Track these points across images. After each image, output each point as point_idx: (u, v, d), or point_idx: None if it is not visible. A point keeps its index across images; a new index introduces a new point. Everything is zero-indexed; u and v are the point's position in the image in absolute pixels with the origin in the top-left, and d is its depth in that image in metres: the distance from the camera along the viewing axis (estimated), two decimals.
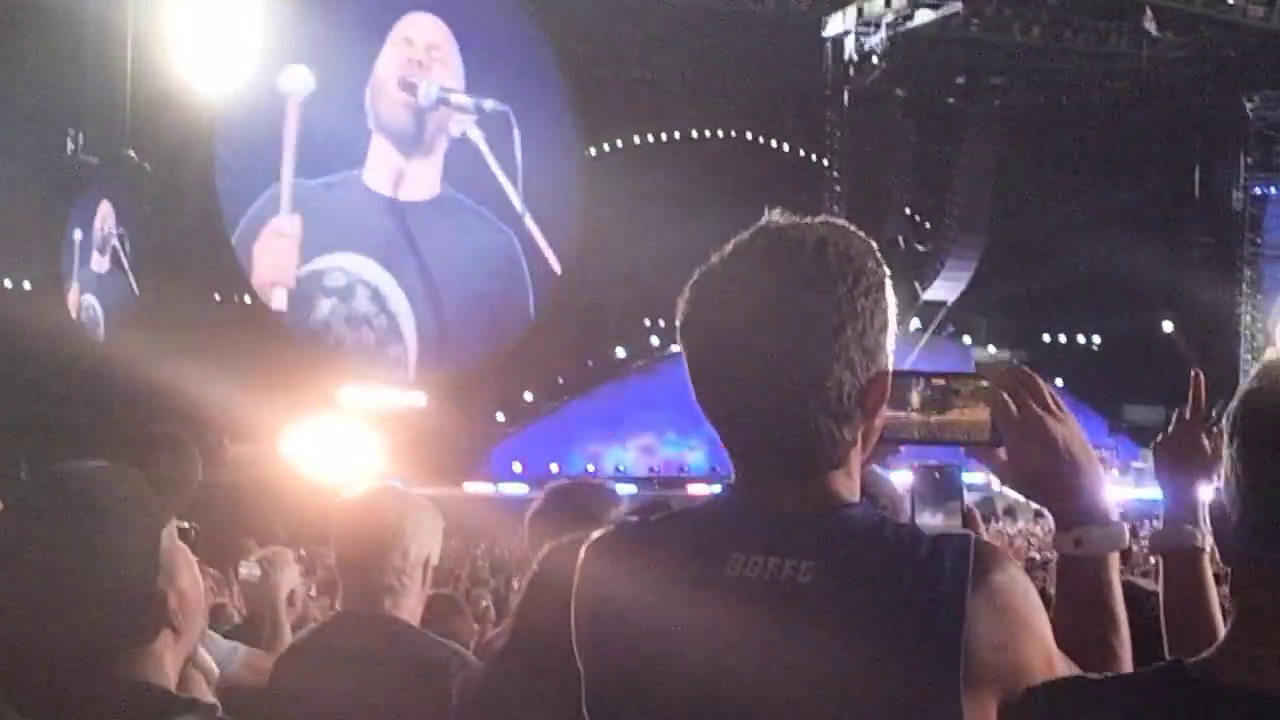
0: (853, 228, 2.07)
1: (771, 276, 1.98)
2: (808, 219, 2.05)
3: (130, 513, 2.11)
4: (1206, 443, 2.73)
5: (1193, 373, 2.96)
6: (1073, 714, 1.90)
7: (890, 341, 2.03)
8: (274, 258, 33.60)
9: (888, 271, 2.05)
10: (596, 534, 2.20)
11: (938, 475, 2.32)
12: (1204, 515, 2.64)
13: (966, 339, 42.89)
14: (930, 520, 2.37)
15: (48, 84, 30.43)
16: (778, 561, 1.95)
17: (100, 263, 32.76)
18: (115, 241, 32.06)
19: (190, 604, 2.19)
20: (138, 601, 2.08)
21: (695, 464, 37.28)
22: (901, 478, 2.53)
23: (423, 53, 34.82)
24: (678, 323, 2.11)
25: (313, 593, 12.65)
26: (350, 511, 3.76)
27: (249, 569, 5.46)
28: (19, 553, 2.07)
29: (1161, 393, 41.53)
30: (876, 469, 3.22)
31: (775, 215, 2.07)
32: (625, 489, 34.53)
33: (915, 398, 2.16)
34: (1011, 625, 1.91)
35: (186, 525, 2.51)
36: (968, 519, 2.35)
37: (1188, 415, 2.82)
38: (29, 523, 2.10)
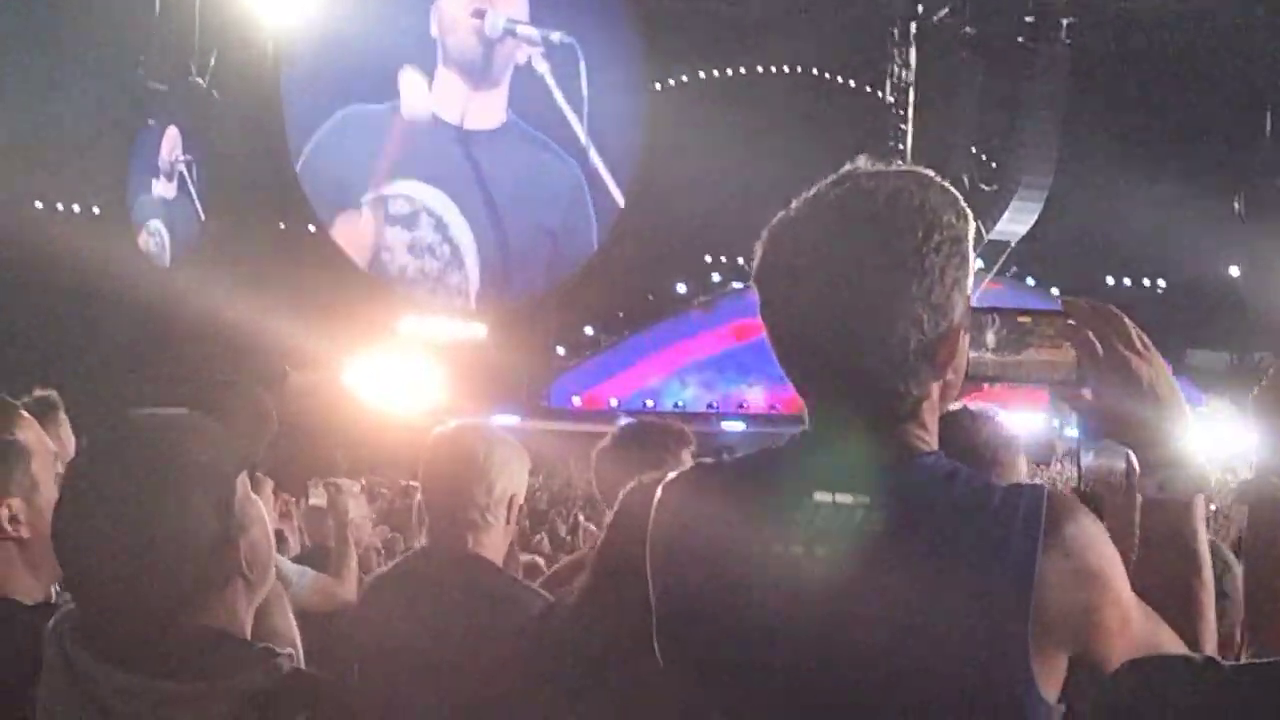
0: (937, 179, 2.05)
1: (842, 227, 1.98)
2: (893, 167, 2.05)
3: (204, 461, 2.13)
4: None
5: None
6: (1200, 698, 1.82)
7: (965, 297, 2.02)
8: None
9: (970, 226, 2.03)
10: (673, 473, 2.22)
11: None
12: None
13: (1030, 280, 42.59)
14: (1090, 461, 2.37)
15: (117, 11, 30.51)
16: (849, 509, 1.96)
17: (167, 189, 32.89)
18: (182, 167, 32.16)
19: (262, 554, 2.23)
20: (209, 550, 2.10)
21: (754, 400, 37.28)
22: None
23: None
24: (753, 265, 2.09)
25: (372, 517, 12.82)
26: (439, 447, 3.82)
27: (318, 496, 5.57)
28: (92, 498, 2.09)
29: (1226, 338, 41.38)
30: (989, 410, 3.23)
31: (861, 162, 2.06)
32: (733, 425, 34.79)
33: (991, 337, 2.14)
34: (1084, 579, 1.90)
35: (260, 474, 2.55)
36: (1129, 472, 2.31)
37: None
38: (103, 468, 2.12)
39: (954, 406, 2.65)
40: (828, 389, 2.04)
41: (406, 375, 30.43)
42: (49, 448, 2.88)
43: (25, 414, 2.90)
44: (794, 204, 2.07)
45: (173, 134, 32.53)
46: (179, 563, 2.07)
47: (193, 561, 2.08)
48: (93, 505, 2.08)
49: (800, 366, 2.06)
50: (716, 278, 41.39)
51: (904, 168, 2.05)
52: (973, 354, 2.11)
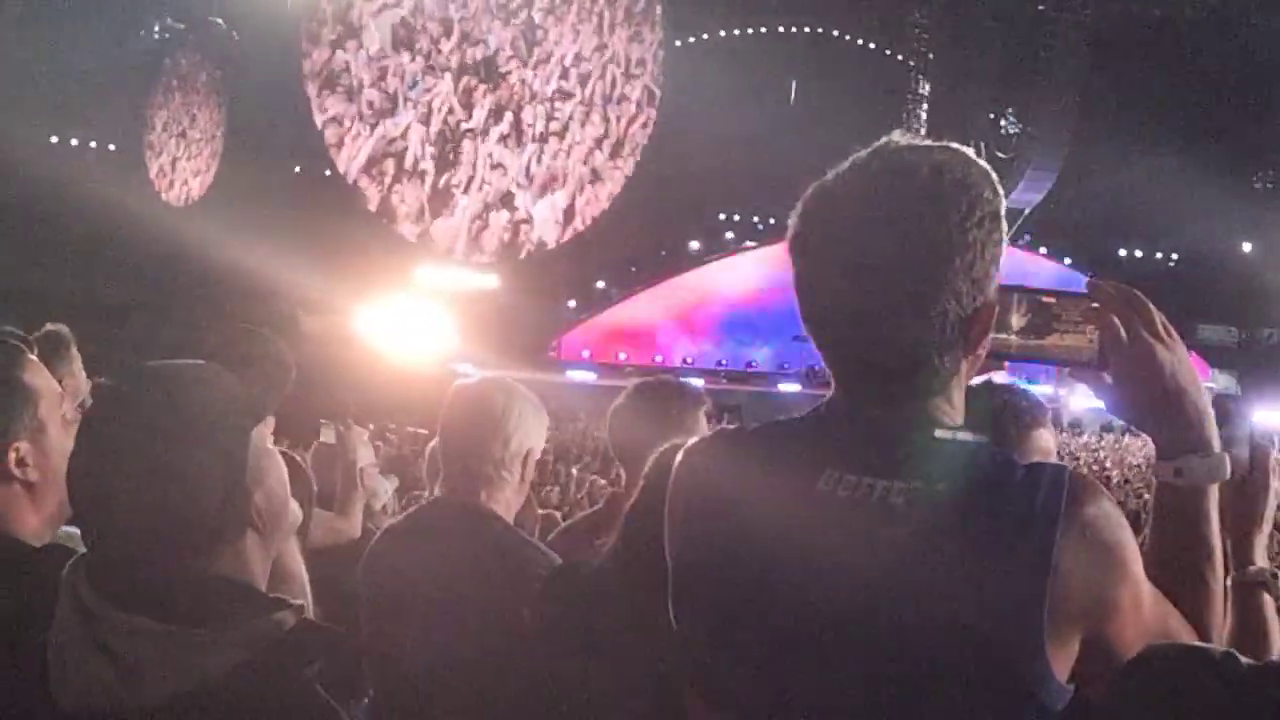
0: (971, 154, 2.04)
1: (884, 200, 1.98)
2: (927, 142, 2.04)
3: (217, 412, 2.13)
4: None
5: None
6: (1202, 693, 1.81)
7: (998, 272, 2.02)
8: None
9: (1004, 201, 2.04)
10: (694, 439, 2.23)
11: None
12: None
13: (1043, 249, 42.53)
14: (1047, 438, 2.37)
15: None
16: (870, 482, 1.96)
17: (189, 127, 32.92)
18: (197, 108, 32.20)
19: (277, 506, 2.23)
20: (220, 500, 2.10)
21: (762, 360, 37.29)
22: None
23: None
24: (789, 236, 2.07)
25: (377, 464, 12.87)
26: (458, 399, 3.82)
27: (328, 433, 5.61)
28: (104, 445, 2.10)
29: (1236, 314, 41.25)
30: (1015, 384, 3.25)
31: (895, 136, 2.06)
32: (739, 385, 34.60)
33: (1015, 320, 2.15)
34: (1101, 561, 1.90)
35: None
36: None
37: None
38: (115, 415, 2.13)
39: (978, 379, 2.68)
40: (861, 361, 2.03)
41: (418, 323, 30.47)
42: (56, 389, 2.86)
43: (32, 356, 2.88)
44: (830, 175, 2.05)
45: (191, 72, 32.54)
46: (189, 512, 2.07)
47: (203, 511, 2.08)
48: (104, 453, 2.09)
49: (835, 337, 2.05)
50: (730, 235, 41.25)
51: (942, 144, 2.05)
52: (997, 335, 2.11)
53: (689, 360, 37.01)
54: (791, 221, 2.06)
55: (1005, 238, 2.02)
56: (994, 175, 2.04)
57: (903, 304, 1.95)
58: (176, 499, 2.07)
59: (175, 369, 2.21)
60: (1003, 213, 2.02)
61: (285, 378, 2.32)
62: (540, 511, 6.51)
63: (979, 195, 1.99)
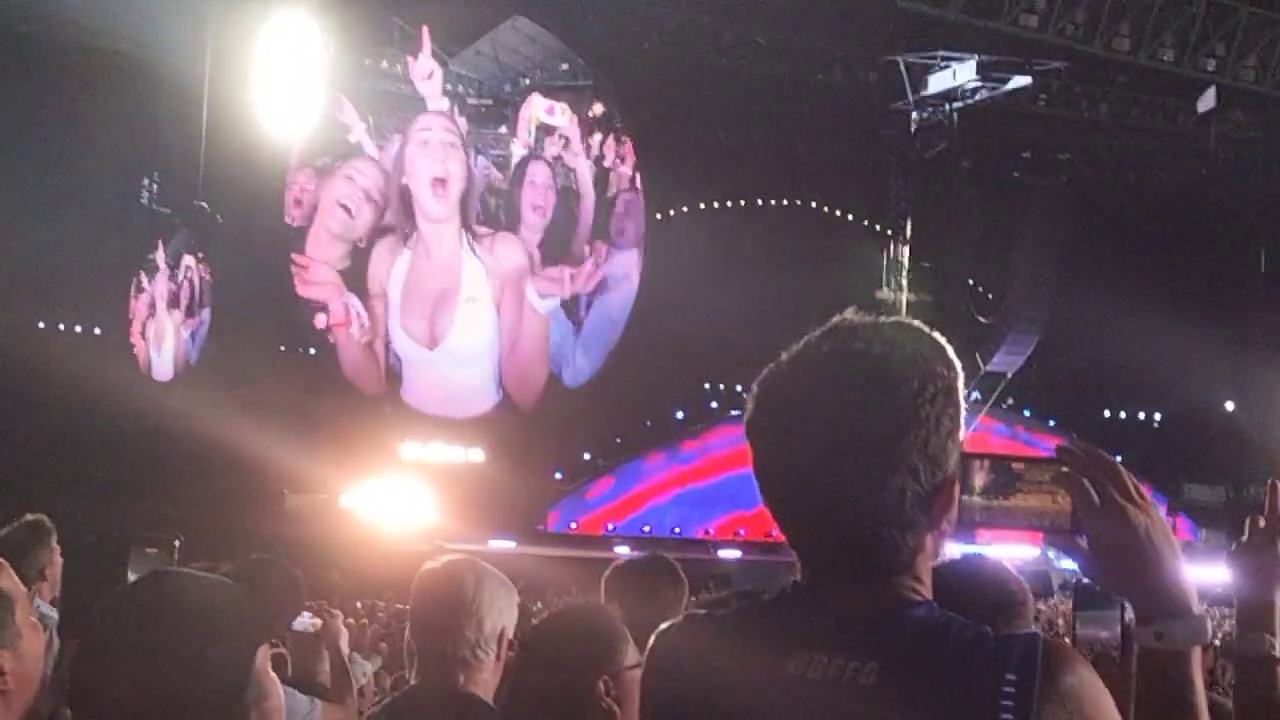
0: (926, 329, 2.06)
1: (833, 383, 1.98)
2: (880, 319, 2.06)
3: (231, 626, 2.13)
4: None
5: (1270, 483, 2.82)
6: None
7: (958, 446, 2.01)
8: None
9: (960, 374, 2.04)
10: (664, 625, 2.22)
11: (1097, 588, 2.28)
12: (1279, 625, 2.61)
13: (1026, 412, 42.62)
14: (1090, 631, 2.37)
15: (124, 134, 30.80)
16: (841, 663, 1.94)
17: (173, 313, 33.09)
18: (187, 292, 32.40)
19: None
20: (224, 714, 2.09)
21: (751, 527, 37.17)
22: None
23: None
24: (745, 419, 2.09)
25: (369, 639, 12.78)
26: (426, 584, 3.79)
27: (304, 622, 5.54)
28: (115, 649, 2.09)
29: (1222, 473, 41.25)
30: (1000, 561, 3.24)
31: (849, 314, 2.07)
32: (729, 553, 34.48)
33: (979, 481, 2.14)
34: None
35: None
36: (1126, 632, 2.31)
37: (1263, 524, 2.73)
38: (130, 619, 2.12)
39: (955, 554, 2.66)
40: (821, 542, 2.03)
41: (405, 498, 30.41)
42: (24, 593, 2.83)
43: (1, 561, 2.83)
44: (783, 357, 2.07)
45: (179, 258, 32.79)
46: (190, 717, 2.06)
47: None
48: (115, 657, 2.08)
49: (792, 520, 2.05)
50: (714, 405, 41.35)
51: (893, 319, 2.07)
52: (965, 500, 2.10)
53: (677, 530, 36.87)
54: (748, 405, 2.08)
55: (963, 410, 2.02)
56: (948, 349, 2.04)
57: (858, 486, 1.95)
58: (180, 709, 2.05)
59: (191, 578, 2.23)
60: (959, 386, 2.03)
61: (297, 599, 2.29)
62: None
63: (930, 371, 1.99)
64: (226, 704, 2.09)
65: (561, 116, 35.18)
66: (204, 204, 30.93)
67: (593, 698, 3.08)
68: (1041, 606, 23.43)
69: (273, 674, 2.24)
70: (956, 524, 2.08)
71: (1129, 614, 2.18)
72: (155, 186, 32.88)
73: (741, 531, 37.22)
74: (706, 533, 37.59)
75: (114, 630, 2.11)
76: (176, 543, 6.09)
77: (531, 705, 3.14)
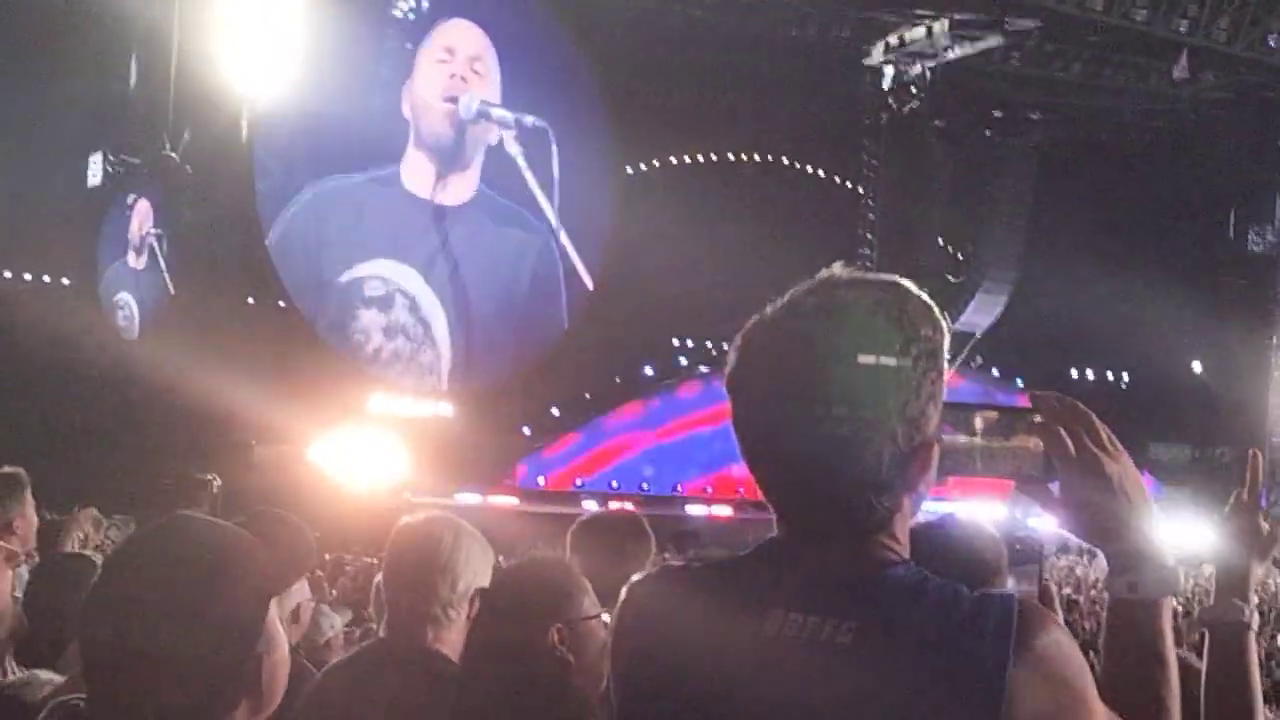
0: (915, 290, 2.02)
1: (817, 340, 1.96)
2: (870, 275, 2.03)
3: (246, 574, 2.12)
4: (1264, 524, 2.73)
5: (1250, 453, 2.91)
6: None
7: (939, 409, 2.00)
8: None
9: (946, 336, 2.02)
10: (637, 576, 2.20)
11: (1018, 546, 2.30)
12: (1254, 593, 2.67)
13: (995, 371, 42.74)
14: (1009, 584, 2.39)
15: (92, 85, 30.62)
16: (817, 621, 1.93)
17: (137, 261, 32.88)
18: (152, 240, 32.18)
19: (278, 680, 2.20)
20: (231, 663, 2.08)
21: (719, 485, 37.19)
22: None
23: (464, 65, 34.67)
24: (726, 374, 2.07)
25: (333, 596, 12.75)
26: (403, 538, 3.76)
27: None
28: (127, 590, 2.08)
29: (1188, 432, 41.51)
30: (980, 521, 3.24)
31: (837, 268, 2.04)
32: (697, 509, 34.58)
33: (961, 436, 2.14)
34: (1056, 692, 1.87)
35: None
36: (1042, 593, 2.35)
37: (1244, 496, 2.78)
38: (144, 560, 2.11)
39: (931, 515, 2.66)
40: (799, 500, 2.02)
41: (373, 452, 30.39)
42: None
43: None
44: (768, 310, 2.04)
45: (143, 207, 32.57)
46: (200, 667, 2.05)
47: (212, 670, 2.06)
48: (125, 597, 2.07)
49: (770, 476, 2.03)
50: (684, 361, 41.35)
51: (882, 277, 2.04)
52: (959, 439, 2.12)
53: (645, 486, 36.86)
54: (729, 358, 2.05)
55: (945, 373, 1.99)
56: (935, 310, 2.02)
57: (837, 445, 1.93)
58: (188, 652, 2.04)
59: (208, 524, 2.22)
60: (944, 349, 2.00)
61: (308, 559, 2.28)
62: None
63: (915, 332, 1.97)
64: (236, 657, 2.09)
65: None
66: (173, 153, 30.73)
67: (546, 647, 3.08)
68: (1077, 570, 23.18)
69: (279, 624, 2.23)
70: (948, 472, 2.09)
71: (1046, 572, 2.20)
72: (124, 136, 32.60)
73: (709, 488, 37.26)
74: (675, 489, 37.59)
75: (127, 574, 2.10)
76: (216, 482, 6.07)
77: (486, 655, 3.13)
